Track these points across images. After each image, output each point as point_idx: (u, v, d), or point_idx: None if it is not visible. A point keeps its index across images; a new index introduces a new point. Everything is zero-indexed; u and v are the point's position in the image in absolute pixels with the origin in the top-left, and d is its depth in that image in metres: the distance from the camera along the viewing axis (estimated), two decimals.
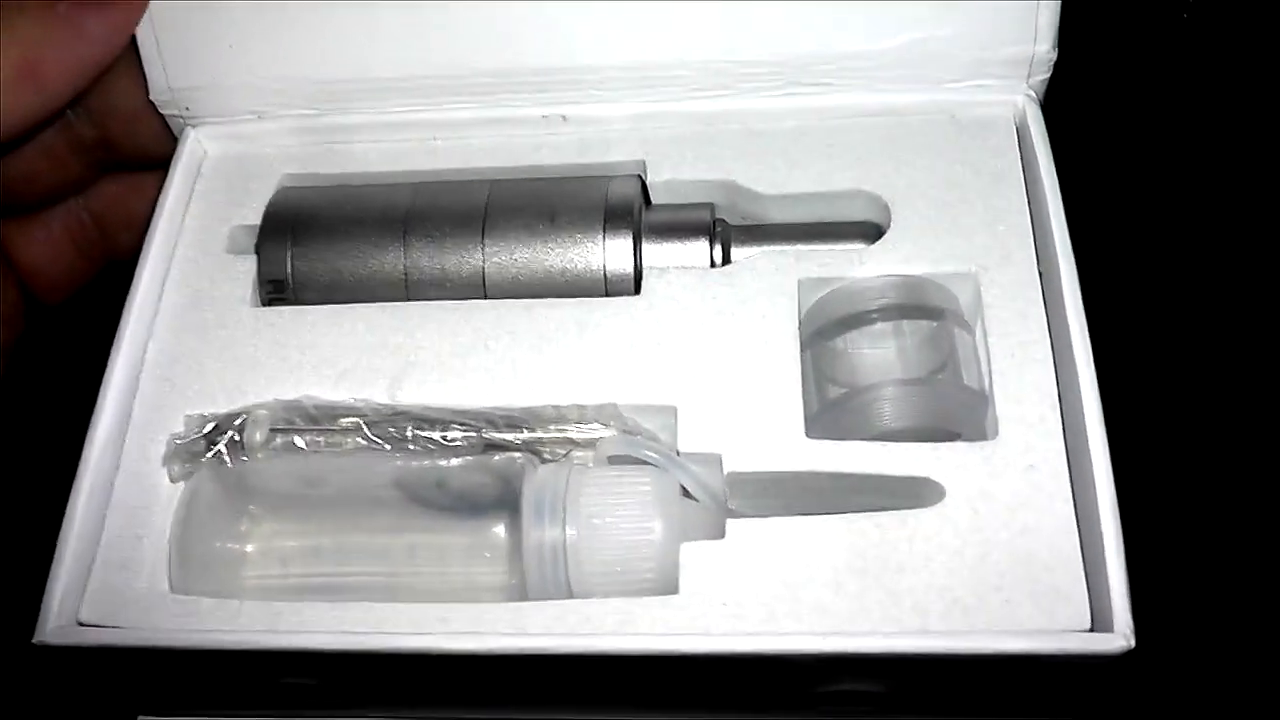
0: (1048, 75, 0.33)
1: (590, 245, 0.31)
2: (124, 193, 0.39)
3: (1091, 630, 0.26)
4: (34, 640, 0.28)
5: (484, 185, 0.33)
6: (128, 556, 0.29)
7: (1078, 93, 0.35)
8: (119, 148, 0.37)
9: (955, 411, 0.29)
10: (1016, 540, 0.27)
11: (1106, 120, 0.41)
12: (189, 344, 0.32)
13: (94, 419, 0.30)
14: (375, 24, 0.33)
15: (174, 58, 0.34)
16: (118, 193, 0.39)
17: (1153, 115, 0.42)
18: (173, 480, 0.30)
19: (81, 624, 0.28)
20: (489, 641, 0.26)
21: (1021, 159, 0.32)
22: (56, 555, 0.28)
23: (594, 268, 0.31)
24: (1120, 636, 0.25)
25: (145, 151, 0.37)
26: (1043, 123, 0.32)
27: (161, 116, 0.35)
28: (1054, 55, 0.32)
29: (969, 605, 0.26)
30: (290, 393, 0.31)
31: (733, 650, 0.26)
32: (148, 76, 0.34)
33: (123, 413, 0.31)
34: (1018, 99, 0.33)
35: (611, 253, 0.31)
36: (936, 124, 0.33)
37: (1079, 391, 0.28)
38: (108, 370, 0.31)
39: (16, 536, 0.29)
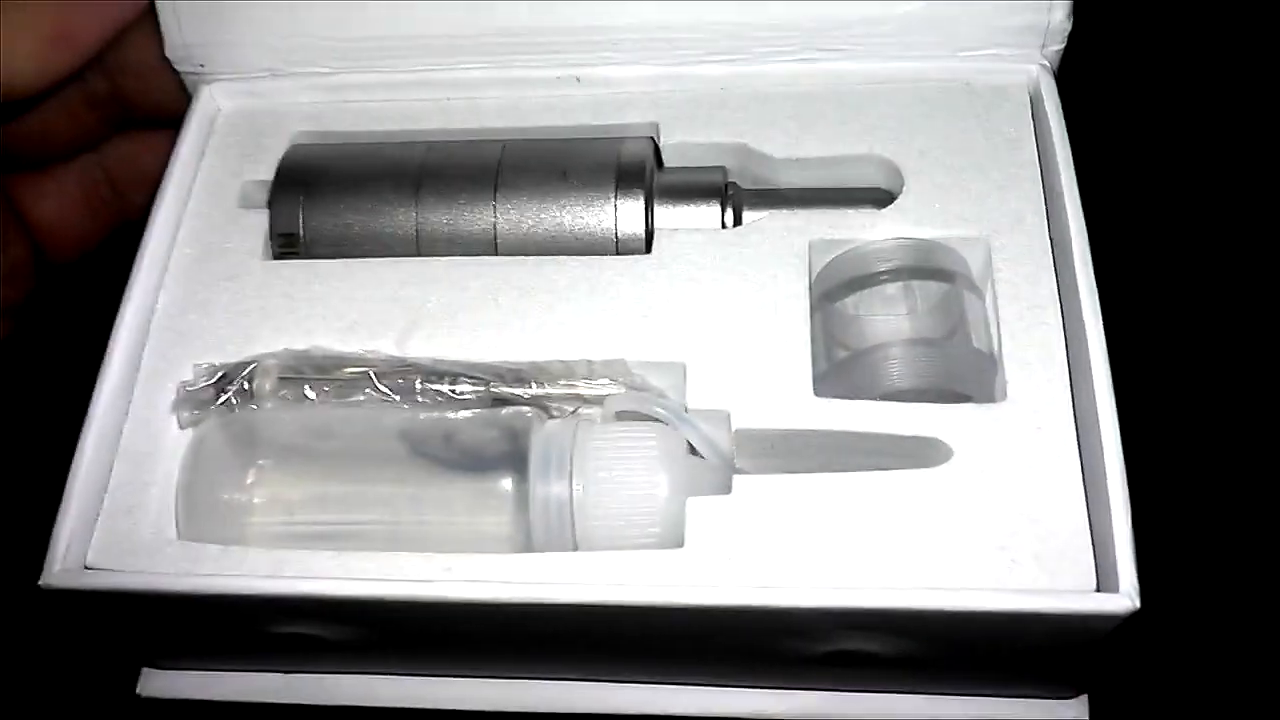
0: (1062, 45, 0.33)
1: (602, 205, 0.31)
2: (138, 151, 0.39)
3: (1097, 591, 0.26)
4: (40, 583, 0.28)
5: (497, 144, 0.33)
6: (135, 503, 0.29)
7: (1093, 63, 0.35)
8: (133, 104, 0.37)
9: (964, 374, 0.29)
10: (1023, 501, 0.27)
11: (1121, 91, 0.41)
12: (199, 295, 0.32)
13: (103, 367, 0.30)
14: None
15: (189, 15, 0.34)
16: (131, 151, 0.39)
17: (1167, 85, 0.42)
18: (181, 427, 0.30)
19: (88, 568, 0.28)
20: (493, 591, 0.26)
21: (1035, 127, 0.32)
22: (64, 500, 0.29)
23: (605, 227, 0.31)
24: (1125, 598, 0.25)
25: (159, 108, 0.37)
26: (1056, 91, 0.32)
27: (176, 73, 0.35)
28: (1069, 25, 0.32)
29: (974, 565, 0.26)
30: (299, 344, 0.31)
31: (735, 603, 0.26)
32: (163, 33, 0.34)
33: (132, 361, 0.31)
34: (1032, 68, 0.33)
35: (623, 212, 0.31)
36: (951, 91, 0.33)
37: (1088, 356, 0.28)
38: (118, 319, 0.31)
39: (28, 486, 0.30)
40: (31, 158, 0.38)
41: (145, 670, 0.34)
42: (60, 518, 0.28)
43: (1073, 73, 0.34)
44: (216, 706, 0.33)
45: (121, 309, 0.31)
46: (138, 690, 0.33)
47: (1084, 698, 0.31)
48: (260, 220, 0.33)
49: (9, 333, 0.39)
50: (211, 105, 0.35)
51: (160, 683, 0.33)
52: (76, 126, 0.37)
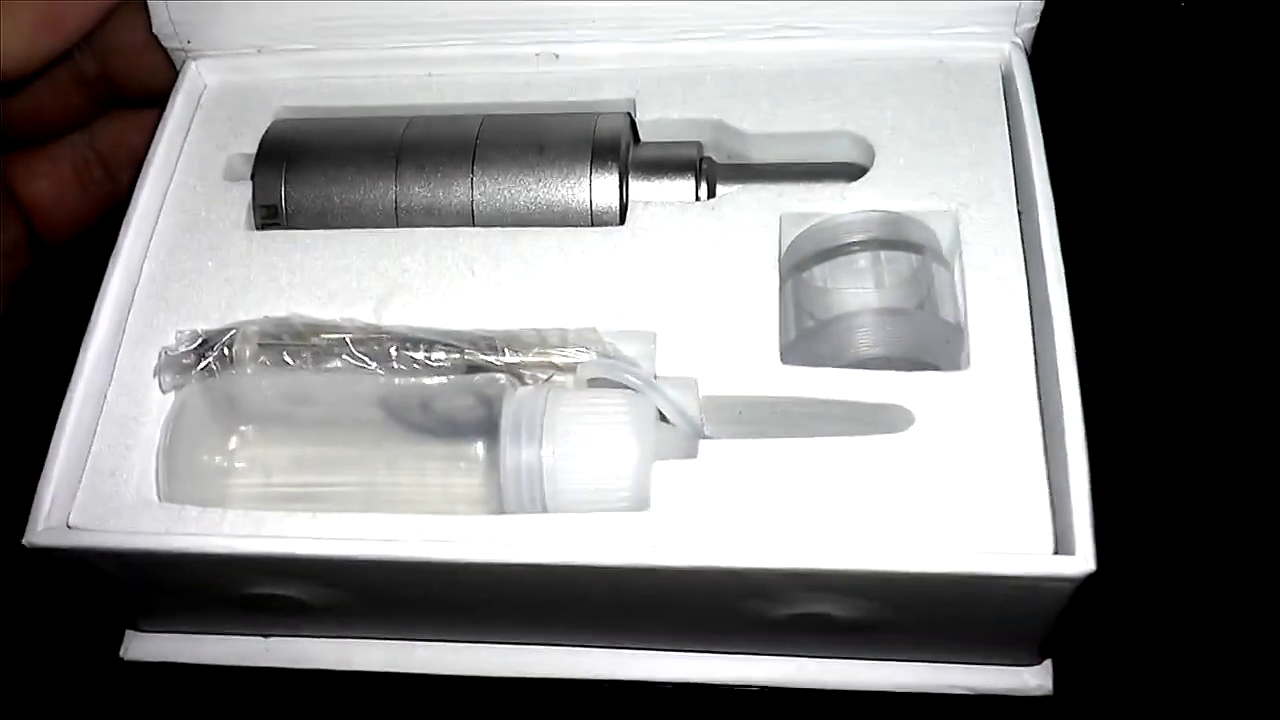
0: (1035, 23, 0.33)
1: (577, 178, 0.32)
2: (128, 130, 0.39)
3: (1055, 554, 0.27)
4: (24, 541, 0.29)
5: (476, 119, 0.33)
6: (117, 465, 0.30)
7: (1067, 42, 0.36)
8: (122, 82, 0.38)
9: (930, 343, 0.30)
10: (984, 467, 0.28)
11: (1093, 69, 0.41)
12: (184, 264, 0.33)
13: (89, 333, 0.31)
14: None
15: None
16: (121, 130, 0.40)
17: (1138, 64, 0.42)
18: (163, 391, 0.31)
19: (71, 528, 0.29)
20: (462, 551, 0.27)
21: (1006, 104, 0.33)
22: (48, 460, 0.29)
23: (580, 200, 0.32)
24: (1082, 560, 0.26)
25: (147, 86, 0.37)
26: (1028, 69, 0.33)
27: (164, 51, 0.36)
28: (1041, 3, 0.33)
29: (935, 528, 0.27)
30: (280, 312, 0.31)
31: (696, 564, 0.26)
32: (150, 10, 0.35)
33: (117, 327, 0.31)
34: (1005, 46, 0.33)
35: (598, 186, 0.32)
36: (924, 69, 0.34)
37: (1052, 327, 0.28)
38: (103, 286, 0.32)
39: (20, 453, 0.30)
40: (22, 137, 0.39)
41: (129, 633, 0.34)
42: (44, 478, 0.29)
43: (1046, 51, 0.34)
44: (198, 670, 0.34)
45: (107, 277, 0.32)
46: (121, 653, 0.34)
47: (1048, 664, 0.32)
48: (244, 192, 0.34)
49: (4, 309, 0.39)
50: (198, 81, 0.36)
51: (144, 645, 0.34)
52: (66, 106, 0.38)
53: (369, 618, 0.32)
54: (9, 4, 0.32)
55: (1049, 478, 0.28)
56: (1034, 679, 0.31)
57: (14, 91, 0.36)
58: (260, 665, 0.33)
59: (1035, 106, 0.32)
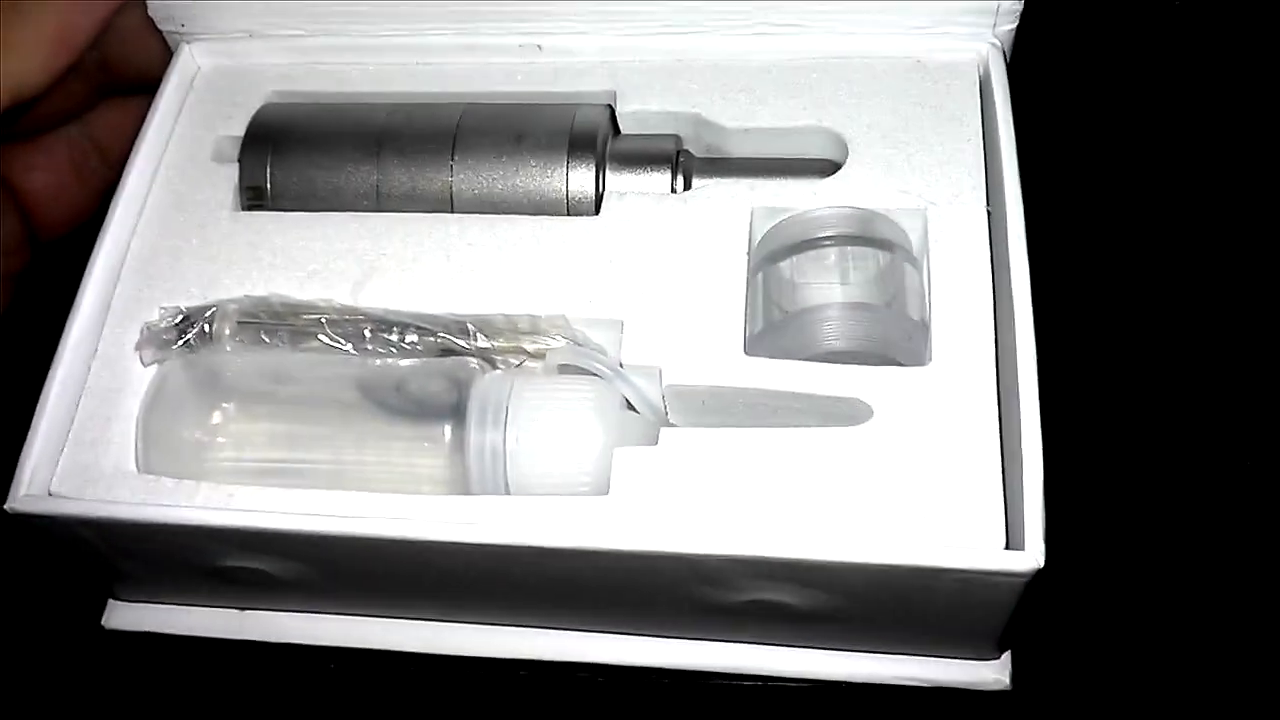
0: (1014, 25, 0.34)
1: (554, 168, 0.32)
2: (123, 118, 0.39)
3: (1006, 550, 0.27)
4: (5, 506, 0.29)
5: (457, 107, 0.34)
6: (98, 436, 0.31)
7: (1047, 47, 0.36)
8: (118, 69, 0.38)
9: (895, 339, 0.30)
10: (940, 461, 0.28)
11: (1071, 72, 0.41)
12: (169, 242, 0.33)
13: (74, 306, 0.32)
14: None
15: None
16: (117, 118, 0.40)
17: (1115, 70, 0.42)
18: (144, 364, 0.31)
19: (51, 495, 0.30)
20: (424, 529, 0.28)
21: (981, 105, 0.33)
22: (31, 430, 0.30)
23: (557, 189, 0.32)
24: (1032, 556, 0.26)
25: (143, 73, 0.38)
26: (1004, 71, 0.33)
27: (159, 37, 0.37)
28: (1019, 5, 0.33)
29: (889, 521, 0.27)
30: (260, 291, 0.32)
31: (647, 549, 0.27)
32: None
33: (103, 302, 0.32)
34: (982, 47, 0.34)
35: (574, 176, 0.32)
36: (901, 68, 0.34)
37: (1014, 326, 0.29)
38: (89, 262, 0.32)
39: (5, 426, 0.31)
40: (20, 128, 0.39)
41: (111, 603, 0.35)
42: (26, 447, 0.30)
43: (1026, 54, 0.34)
44: (176, 640, 0.35)
45: (94, 251, 0.33)
46: (103, 622, 0.35)
47: (1006, 658, 0.32)
48: (232, 174, 0.34)
49: (7, 304, 0.40)
50: (191, 64, 0.37)
51: (125, 615, 0.35)
52: (64, 95, 0.38)
53: (337, 593, 0.32)
54: (22, 29, 0.33)
55: (1004, 474, 0.28)
56: (992, 673, 0.32)
57: (28, 110, 0.36)
58: (235, 638, 0.34)
59: (1010, 108, 0.32)
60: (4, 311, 0.39)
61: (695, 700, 0.33)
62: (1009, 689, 0.32)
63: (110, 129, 0.40)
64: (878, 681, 0.32)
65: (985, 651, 0.32)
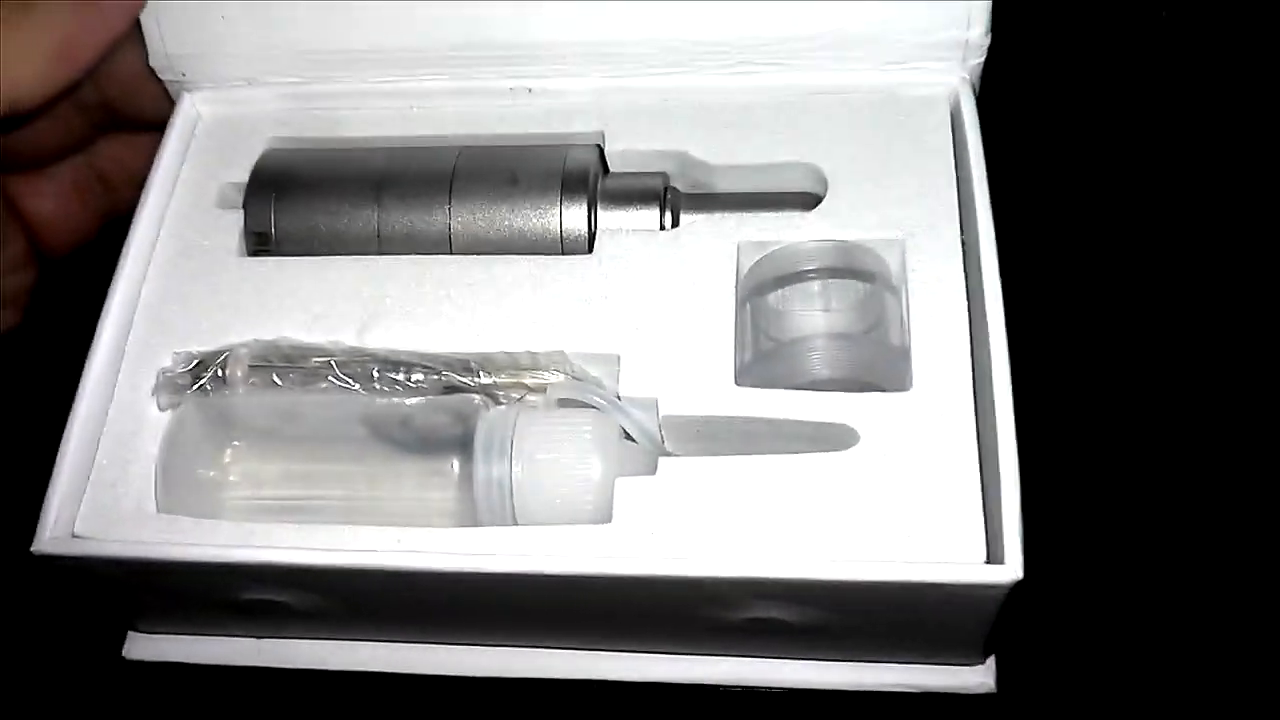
0: (981, 58, 0.35)
1: (548, 208, 0.34)
2: (125, 151, 0.41)
3: (986, 563, 0.29)
4: (32, 549, 0.31)
5: (453, 151, 0.35)
6: (118, 477, 0.32)
7: (1018, 78, 0.38)
8: (120, 110, 0.39)
9: (877, 366, 0.32)
10: (923, 482, 0.30)
11: (1038, 105, 0.43)
12: (179, 288, 0.35)
13: (90, 353, 0.33)
14: None
15: (171, 27, 0.36)
16: (119, 151, 0.41)
17: (1083, 99, 0.44)
18: (160, 410, 0.33)
19: (75, 536, 0.31)
20: (437, 560, 0.29)
21: (953, 137, 0.35)
22: (54, 474, 0.31)
23: (551, 228, 0.34)
24: (1011, 569, 0.28)
25: (144, 114, 0.39)
26: (974, 103, 0.35)
27: (160, 82, 0.38)
28: (987, 40, 0.35)
29: (876, 539, 0.29)
30: (269, 335, 0.33)
31: (654, 573, 0.28)
32: (147, 44, 0.37)
33: (117, 348, 0.33)
34: (953, 80, 0.35)
35: (568, 215, 0.34)
36: (877, 102, 0.35)
37: (989, 350, 0.30)
38: (104, 310, 0.34)
39: (28, 465, 0.32)
40: (26, 160, 0.41)
41: (131, 634, 0.36)
42: (50, 490, 0.31)
43: (997, 85, 0.36)
44: (195, 669, 0.36)
45: (107, 300, 0.34)
46: (124, 653, 0.36)
47: (990, 663, 0.34)
48: (236, 220, 0.36)
49: (19, 323, 0.41)
50: (193, 112, 0.38)
51: (145, 646, 0.36)
52: (67, 131, 0.40)
53: (353, 622, 0.34)
54: (24, 39, 0.34)
55: (983, 492, 0.29)
56: (977, 677, 0.34)
57: (25, 123, 0.38)
58: (253, 665, 0.36)
59: (979, 138, 0.34)
60: (18, 326, 0.40)
61: (693, 711, 0.35)
62: (994, 692, 0.34)
63: (112, 160, 0.42)
64: (868, 689, 0.34)
65: (971, 657, 0.33)
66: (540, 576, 0.29)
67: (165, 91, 0.38)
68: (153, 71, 0.37)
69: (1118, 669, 0.35)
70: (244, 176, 0.36)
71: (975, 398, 0.31)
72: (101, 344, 0.33)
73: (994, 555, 0.29)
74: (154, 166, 0.36)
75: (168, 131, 0.37)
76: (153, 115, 0.38)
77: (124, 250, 0.35)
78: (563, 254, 0.34)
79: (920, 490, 0.29)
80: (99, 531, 0.31)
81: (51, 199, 0.42)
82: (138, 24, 0.36)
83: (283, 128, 0.37)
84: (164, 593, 0.33)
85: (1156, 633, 0.36)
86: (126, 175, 0.42)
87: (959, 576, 0.28)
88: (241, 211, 0.35)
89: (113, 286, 0.34)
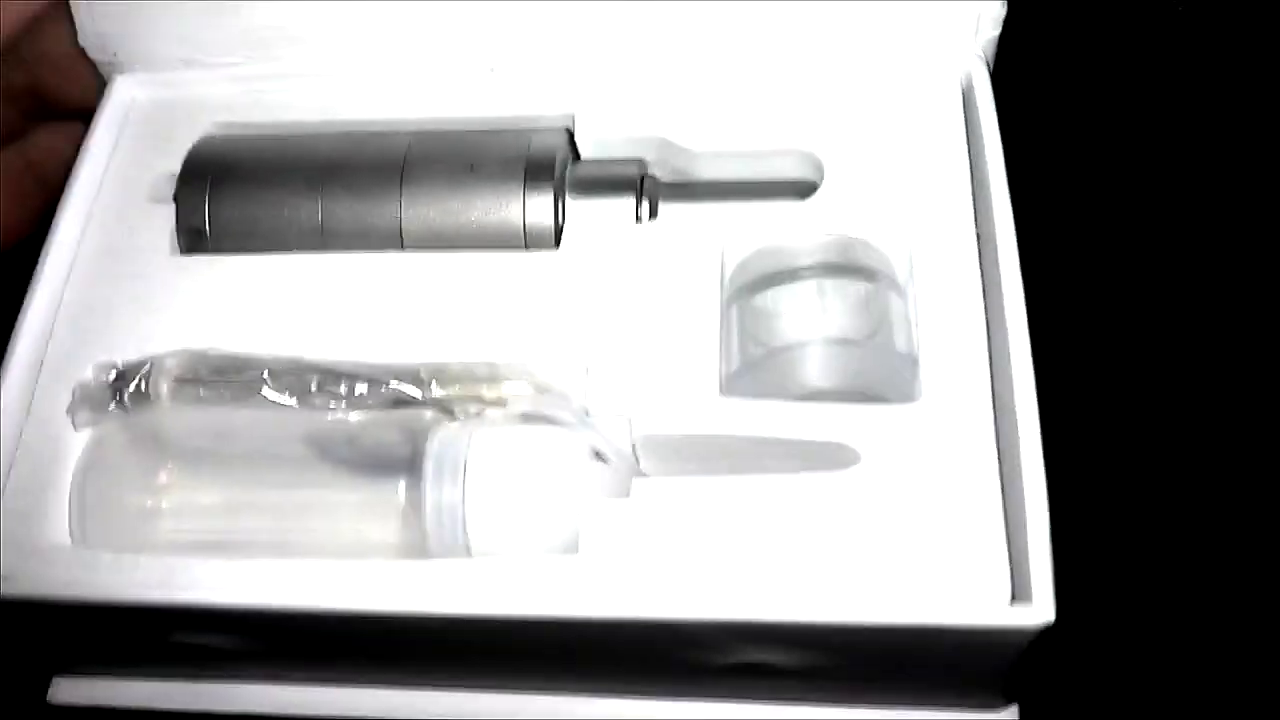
0: (996, 33, 0.31)
1: (510, 198, 0.30)
2: (59, 141, 0.38)
3: (1012, 603, 0.25)
4: None
5: (405, 136, 0.32)
6: (30, 507, 0.29)
7: (1031, 58, 0.34)
8: (51, 96, 0.36)
9: (881, 375, 0.28)
10: (937, 508, 0.26)
11: (1058, 87, 0.40)
12: (104, 291, 0.31)
13: (4, 367, 0.30)
14: None
15: (101, 2, 0.33)
16: (53, 141, 0.38)
17: (1105, 82, 0.40)
18: (77, 429, 0.29)
19: None
20: (380, 601, 0.26)
21: (965, 120, 0.31)
22: None
23: (513, 221, 0.30)
24: (1041, 610, 0.24)
25: (77, 100, 0.36)
26: (989, 84, 0.31)
27: (93, 64, 0.35)
28: (1003, 13, 0.31)
29: (884, 574, 0.25)
30: (203, 342, 0.30)
31: (624, 616, 0.25)
32: (75, 21, 0.33)
33: (34, 360, 0.30)
34: (964, 59, 0.32)
35: (531, 206, 0.30)
36: (880, 82, 0.32)
37: (1009, 357, 0.27)
38: (20, 317, 0.30)
39: None
40: None
41: (56, 678, 0.33)
42: None
43: (1010, 63, 0.32)
44: (127, 713, 0.33)
45: (24, 306, 0.31)
46: (49, 697, 0.33)
47: (1013, 711, 0.30)
48: (169, 214, 0.32)
49: None
50: (125, 95, 0.34)
51: (72, 689, 0.33)
52: None
53: (296, 663, 0.30)
54: None
55: (1006, 520, 0.26)
56: None
57: None
58: (189, 709, 0.32)
59: (996, 123, 0.30)
60: None
61: None
62: None
63: (46, 152, 0.39)
64: None
65: (991, 704, 0.30)
66: (496, 619, 0.25)
67: (99, 74, 0.35)
68: (83, 52, 0.34)
69: (1153, 716, 0.32)
70: (179, 166, 0.32)
71: (994, 409, 0.27)
72: (16, 355, 0.30)
73: (1020, 593, 0.25)
74: (80, 155, 0.33)
75: (96, 117, 0.34)
76: (88, 102, 0.35)
77: (44, 249, 0.32)
78: (526, 250, 0.30)
79: (932, 517, 0.26)
80: (9, 569, 0.28)
81: None
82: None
83: (224, 112, 0.34)
84: (86, 633, 0.30)
85: (1194, 674, 0.32)
86: (62, 165, 0.38)
87: (980, 619, 0.24)
88: (174, 205, 0.32)
89: (30, 290, 0.31)
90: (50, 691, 0.33)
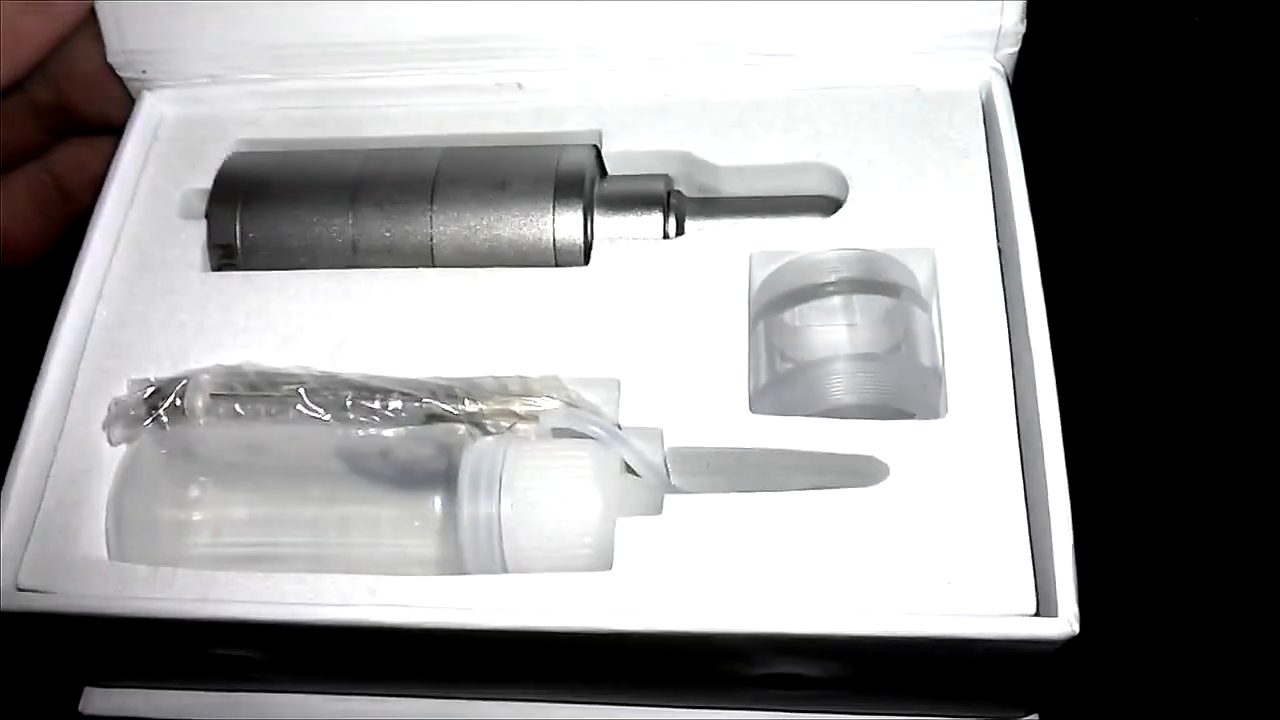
0: (1016, 47, 0.32)
1: (540, 215, 0.31)
2: (84, 156, 0.39)
3: (1036, 615, 0.25)
4: None
5: (435, 153, 0.32)
6: (67, 522, 0.29)
7: (1050, 70, 0.34)
8: (78, 112, 0.37)
9: (907, 390, 0.28)
10: (962, 521, 0.26)
11: (1077, 99, 0.40)
12: (137, 308, 0.31)
13: (38, 382, 0.30)
14: None
15: (130, 20, 0.33)
16: (78, 156, 0.39)
17: (1124, 94, 0.41)
18: (112, 444, 0.30)
19: (20, 589, 0.28)
20: (415, 615, 0.26)
21: (986, 133, 0.32)
22: None
23: (543, 238, 0.31)
24: (1065, 622, 0.25)
25: (104, 116, 0.36)
26: (1009, 97, 0.32)
27: (120, 80, 0.35)
28: (1022, 27, 0.32)
29: (911, 587, 0.26)
30: (234, 358, 0.30)
31: (663, 629, 0.25)
32: (105, 39, 0.34)
33: (68, 376, 0.30)
34: (984, 72, 0.32)
35: (561, 223, 0.31)
36: (900, 96, 0.32)
37: (1033, 372, 0.27)
38: (54, 333, 0.31)
39: None
40: None
41: (88, 689, 0.33)
42: None
43: (1029, 76, 0.33)
44: None
45: (58, 322, 0.31)
46: (80, 708, 0.33)
47: (1034, 717, 0.30)
48: (200, 231, 0.32)
49: None
50: (154, 112, 0.35)
51: (103, 700, 0.33)
52: (21, 136, 0.37)
53: (332, 675, 0.31)
54: None
55: (1030, 533, 0.26)
56: None
57: None
58: (224, 719, 0.33)
59: (1016, 136, 0.31)
60: None
61: None
62: None
63: (71, 166, 0.39)
64: None
65: (1012, 712, 0.30)
66: (533, 633, 0.26)
67: (126, 93, 0.35)
68: (112, 69, 0.34)
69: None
70: (209, 183, 0.33)
71: (1018, 424, 0.27)
72: (50, 372, 0.30)
73: (1045, 606, 0.25)
74: (111, 172, 0.33)
75: (126, 133, 0.34)
76: (114, 117, 0.35)
77: (76, 266, 0.32)
78: (556, 266, 0.31)
79: (958, 530, 0.26)
80: (46, 583, 0.28)
81: (7, 208, 0.39)
82: (95, 16, 0.33)
83: (252, 129, 0.34)
84: (120, 648, 0.30)
85: (1212, 686, 0.32)
86: (86, 180, 0.39)
87: (1005, 631, 0.25)
88: (205, 222, 0.32)
89: (63, 307, 0.31)
90: (81, 702, 0.33)
